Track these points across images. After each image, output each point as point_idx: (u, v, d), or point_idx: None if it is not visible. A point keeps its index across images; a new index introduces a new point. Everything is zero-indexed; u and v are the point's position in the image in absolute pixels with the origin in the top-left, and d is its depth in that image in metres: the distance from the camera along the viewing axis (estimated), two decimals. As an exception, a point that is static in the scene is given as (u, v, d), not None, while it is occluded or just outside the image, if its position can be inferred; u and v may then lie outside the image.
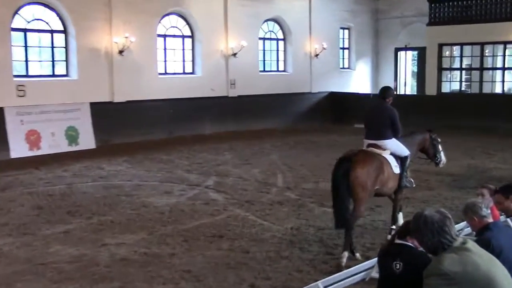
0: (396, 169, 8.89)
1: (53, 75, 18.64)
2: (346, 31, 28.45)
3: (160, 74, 20.98)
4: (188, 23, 21.90)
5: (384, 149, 8.91)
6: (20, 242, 9.05)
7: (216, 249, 8.66)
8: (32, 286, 7.33)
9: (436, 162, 10.06)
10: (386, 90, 9.73)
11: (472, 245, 3.91)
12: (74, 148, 17.96)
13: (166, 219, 10.38)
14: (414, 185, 9.62)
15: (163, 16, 21.01)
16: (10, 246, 8.87)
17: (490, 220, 5.09)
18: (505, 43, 24.42)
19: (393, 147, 9.01)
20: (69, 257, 8.37)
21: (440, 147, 10.08)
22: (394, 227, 8.75)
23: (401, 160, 9.06)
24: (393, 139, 9.08)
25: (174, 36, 21.72)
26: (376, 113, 9.34)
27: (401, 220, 9.05)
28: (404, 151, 9.15)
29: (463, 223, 7.89)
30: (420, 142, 9.99)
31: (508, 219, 7.55)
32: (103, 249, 8.73)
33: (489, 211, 5.17)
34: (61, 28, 18.60)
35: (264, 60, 24.84)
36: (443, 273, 3.69)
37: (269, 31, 24.98)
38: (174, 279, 7.53)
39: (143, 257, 8.37)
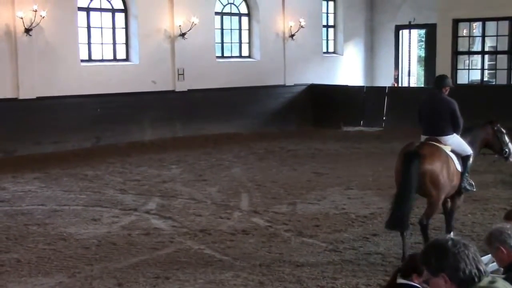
0: (458, 167, 10.04)
1: None
2: (331, 3, 28.70)
3: (83, 61, 20.88)
4: (122, -5, 21.94)
5: (445, 145, 10.04)
6: None
7: (161, 295, 8.68)
8: None
9: (505, 157, 10.94)
10: (442, 79, 11.03)
11: (503, 285, 3.98)
12: (-35, 161, 17.83)
13: (93, 255, 10.30)
14: (474, 189, 10.67)
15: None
16: None
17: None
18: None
19: (455, 144, 10.16)
20: None
21: (506, 138, 10.95)
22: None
23: (462, 159, 10.17)
24: (455, 135, 10.22)
25: (101, 10, 21.67)
26: (434, 105, 10.48)
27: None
28: (466, 149, 10.28)
29: (488, 256, 8.04)
30: (483, 139, 10.94)
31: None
32: (4, 300, 8.69)
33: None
34: None
35: (222, 43, 24.93)
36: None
37: (228, 3, 25.04)
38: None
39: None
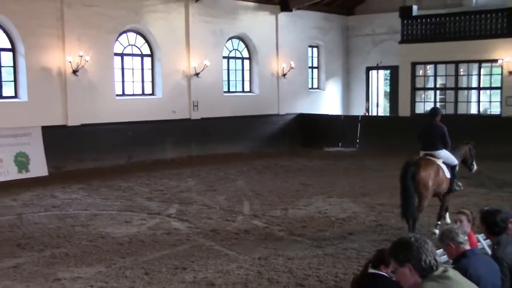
0: (447, 175, 11.18)
1: (1, 97, 18.44)
2: (315, 50, 28.77)
3: (118, 95, 20.89)
4: (147, 41, 21.90)
5: (438, 158, 11.14)
6: (-36, 279, 8.95)
7: (179, 282, 8.62)
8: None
9: (471, 169, 12.40)
10: (435, 110, 12.49)
11: (453, 273, 3.97)
12: (24, 175, 17.71)
13: (125, 250, 10.29)
14: (462, 188, 11.91)
15: (121, 34, 20.99)
16: (-47, 283, 8.75)
17: (467, 247, 5.17)
18: (480, 61, 24.86)
19: (445, 157, 11.25)
20: (16, 294, 8.28)
21: (473, 155, 12.38)
22: (439, 223, 11.13)
23: (451, 168, 11.32)
24: (444, 150, 11.31)
25: (132, 55, 21.71)
26: (429, 129, 11.52)
27: (448, 219, 11.37)
28: (454, 161, 11.45)
29: (440, 250, 7.99)
30: (463, 154, 12.13)
31: (487, 246, 7.69)
32: (56, 284, 8.62)
33: (466, 237, 5.26)
34: (9, 46, 18.46)
35: (228, 81, 24.95)
36: (425, 303, 3.74)
37: (233, 49, 25.12)
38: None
39: (98, 293, 8.32)
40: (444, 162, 11.20)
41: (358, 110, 29.36)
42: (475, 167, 12.38)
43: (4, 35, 18.32)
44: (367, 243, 10.45)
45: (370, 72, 29.61)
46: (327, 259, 9.63)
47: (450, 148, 11.47)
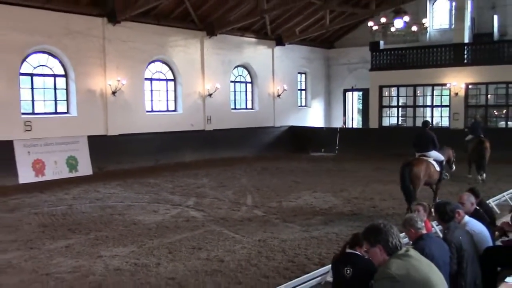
0: (437, 168, 11.93)
1: (56, 113, 18.44)
2: (303, 75, 28.81)
3: (147, 111, 20.91)
4: (171, 69, 21.94)
5: (429, 157, 11.88)
6: (27, 255, 8.88)
7: (196, 259, 8.60)
8: (38, 294, 7.20)
9: (451, 167, 13.41)
10: (426, 122, 13.26)
11: (413, 252, 3.98)
12: (74, 174, 17.71)
13: (153, 234, 10.26)
14: (448, 177, 13.09)
15: (150, 63, 21.02)
16: (19, 259, 8.69)
17: (424, 231, 5.18)
18: (433, 85, 25.03)
19: (434, 155, 12.02)
20: (69, 268, 8.23)
21: (454, 158, 13.52)
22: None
23: (439, 163, 12.11)
24: (434, 151, 12.08)
25: (159, 79, 21.72)
26: (422, 136, 12.28)
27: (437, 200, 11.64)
28: (440, 157, 12.24)
29: (402, 234, 8.01)
30: (448, 155, 13.11)
31: (439, 230, 7.69)
32: (99, 260, 8.60)
33: (423, 224, 5.28)
34: (63, 73, 18.48)
35: (235, 100, 24.96)
36: (391, 276, 3.74)
37: (239, 75, 25.17)
38: (160, 285, 7.45)
39: (133, 267, 8.27)
40: (434, 160, 11.95)
41: (337, 123, 29.40)
42: (454, 167, 13.45)
43: (59, 64, 18.36)
44: (345, 228, 10.42)
45: (346, 93, 29.69)
46: (313, 241, 9.61)
47: (438, 149, 12.25)
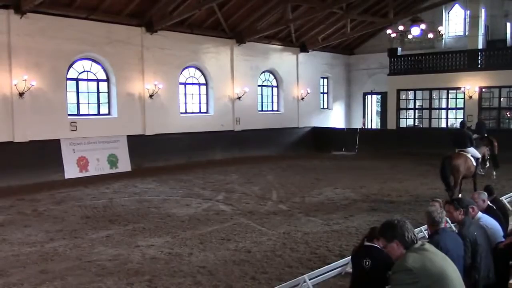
0: (474, 163, 12.21)
1: (98, 114, 18.68)
2: (326, 80, 28.59)
3: (181, 113, 21.01)
4: (203, 74, 22.01)
5: (467, 153, 12.16)
6: (72, 244, 9.01)
7: (225, 249, 8.60)
8: (81, 279, 7.27)
9: (484, 166, 13.90)
10: (463, 122, 13.60)
11: (429, 246, 3.89)
12: (114, 170, 17.90)
13: (186, 226, 10.31)
14: (483, 173, 13.82)
15: (184, 68, 21.12)
16: (64, 248, 8.82)
17: (442, 226, 5.07)
18: (447, 89, 24.61)
19: (472, 152, 12.35)
20: (109, 256, 8.31)
21: (488, 156, 14.07)
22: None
23: (476, 159, 12.39)
24: (471, 148, 12.40)
25: (192, 83, 21.80)
26: (460, 134, 12.67)
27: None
28: (477, 154, 12.62)
29: (420, 228, 7.91)
30: (483, 152, 13.57)
31: (453, 225, 7.53)
32: (136, 249, 8.67)
33: (442, 219, 5.15)
34: (105, 78, 18.71)
35: (261, 102, 24.90)
36: (407, 268, 3.66)
37: (265, 80, 25.10)
38: (192, 273, 7.47)
39: (168, 256, 8.31)
40: (472, 155, 12.25)
41: (357, 124, 29.11)
42: (487, 164, 14.00)
43: (102, 70, 18.58)
44: (364, 222, 10.31)
45: (366, 96, 29.36)
46: (334, 234, 9.53)
47: (475, 146, 12.71)
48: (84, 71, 18.26)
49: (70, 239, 9.34)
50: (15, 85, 15.77)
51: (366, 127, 28.84)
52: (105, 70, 18.61)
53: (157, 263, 7.95)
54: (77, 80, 18.04)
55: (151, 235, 9.60)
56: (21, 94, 15.89)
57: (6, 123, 15.76)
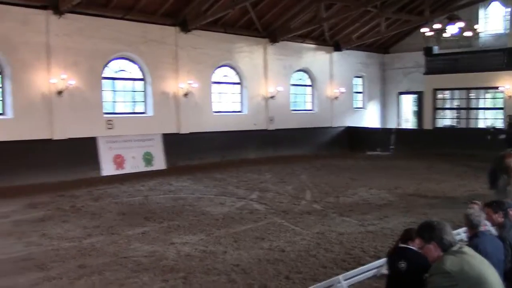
0: None
1: (134, 113, 19.00)
2: (360, 79, 28.31)
3: (215, 112, 21.15)
4: (237, 73, 22.11)
5: None
6: (109, 240, 9.20)
7: (259, 248, 8.63)
8: (117, 275, 7.41)
9: None
10: None
11: (467, 249, 3.84)
12: (149, 168, 18.15)
13: (220, 224, 10.38)
14: None
15: (217, 67, 21.25)
16: (101, 243, 9.02)
17: (481, 229, 4.99)
18: (485, 88, 24.11)
19: None
20: (145, 252, 8.44)
21: None
22: None
23: None
24: None
25: (226, 82, 21.91)
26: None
27: None
28: None
29: (458, 230, 7.79)
30: None
31: (492, 229, 7.36)
32: (171, 246, 8.78)
33: (481, 222, 5.07)
34: (140, 77, 19.00)
35: (295, 101, 24.84)
36: (445, 271, 3.62)
37: (299, 79, 25.03)
38: (226, 271, 7.53)
39: (202, 253, 8.39)
40: None
41: (392, 124, 28.76)
42: None
43: (138, 69, 18.88)
44: (399, 224, 10.16)
45: (401, 96, 28.96)
46: (368, 235, 9.45)
47: None
48: (120, 70, 18.58)
49: (107, 235, 9.53)
50: (54, 84, 16.18)
51: (401, 127, 28.45)
52: (141, 69, 18.89)
53: (191, 260, 8.04)
54: (113, 79, 18.37)
55: (185, 232, 9.71)
56: (59, 93, 16.30)
57: (46, 121, 16.17)
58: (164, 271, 7.56)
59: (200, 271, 7.52)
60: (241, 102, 22.29)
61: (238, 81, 22.18)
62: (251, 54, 22.17)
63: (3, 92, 15.70)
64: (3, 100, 15.72)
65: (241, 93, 22.25)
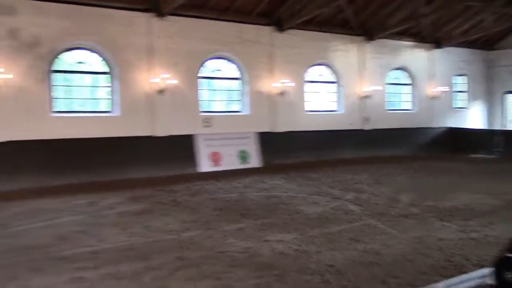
0: None
1: (230, 111, 19.43)
2: (462, 77, 26.90)
3: (309, 111, 21.10)
4: (332, 72, 21.90)
5: None
6: (206, 235, 9.46)
7: (353, 250, 8.47)
8: (214, 268, 7.60)
9: None
10: None
11: None
12: (245, 166, 18.51)
13: (314, 223, 10.31)
14: None
15: (311, 66, 21.16)
16: (199, 237, 9.30)
17: None
18: None
19: None
20: (240, 248, 8.58)
21: None
22: None
23: None
24: None
25: (320, 82, 21.75)
26: None
27: None
28: None
29: None
30: None
31: None
32: (265, 244, 8.86)
33: None
34: (237, 76, 19.40)
35: (390, 101, 24.09)
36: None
37: (395, 77, 24.28)
38: (320, 271, 7.47)
39: (296, 252, 8.38)
40: None
41: (497, 125, 27.11)
42: None
43: (236, 68, 19.29)
44: (505, 232, 9.49)
45: (507, 95, 27.19)
46: (471, 242, 8.94)
47: None
48: (216, 70, 19.08)
49: (204, 230, 9.81)
50: (155, 83, 16.97)
51: (506, 128, 26.71)
52: (238, 69, 19.29)
53: (285, 258, 8.06)
54: (209, 78, 18.90)
55: (279, 230, 9.75)
56: (160, 92, 17.07)
57: (148, 119, 17.02)
58: (258, 267, 7.64)
59: (294, 270, 7.52)
60: (337, 101, 22.04)
61: (332, 80, 21.96)
62: (346, 53, 21.86)
63: (111, 91, 16.75)
64: (111, 99, 16.77)
65: (337, 92, 22.01)
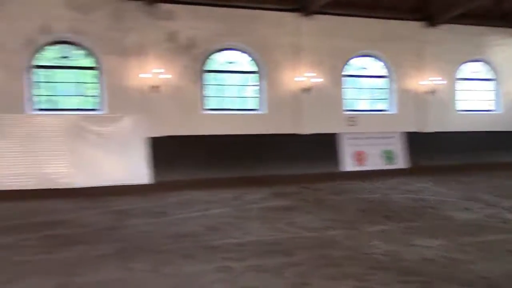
0: None
1: (376, 110, 19.01)
2: None
3: (460, 110, 19.82)
4: (489, 68, 20.33)
5: None
6: (348, 234, 9.35)
7: (510, 263, 7.76)
8: (355, 269, 7.45)
9: None
10: None
11: None
12: (390, 166, 18.04)
13: (465, 230, 9.63)
14: None
15: (463, 63, 19.92)
16: (341, 237, 9.22)
17: None
18: None
19: None
20: (383, 251, 8.33)
21: None
22: None
23: None
24: None
25: (473, 79, 20.31)
26: None
27: None
28: None
29: None
30: None
31: None
32: (410, 248, 8.49)
33: None
34: (384, 74, 18.91)
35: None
36: None
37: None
38: (471, 282, 6.95)
39: (444, 259, 7.90)
40: None
41: None
42: None
43: (383, 66, 18.84)
44: None
45: None
46: None
47: None
48: (362, 68, 18.78)
49: (347, 230, 9.70)
50: (300, 82, 17.25)
51: None
52: (386, 66, 18.80)
53: (431, 265, 7.65)
54: (354, 76, 18.67)
55: (425, 235, 9.28)
56: (306, 90, 17.28)
57: (294, 117, 17.36)
58: (403, 272, 7.35)
59: (441, 278, 7.10)
60: (495, 100, 20.36)
61: (490, 77, 20.35)
62: (507, 48, 20.09)
63: (259, 90, 17.39)
64: (259, 97, 17.42)
65: (495, 90, 20.36)
